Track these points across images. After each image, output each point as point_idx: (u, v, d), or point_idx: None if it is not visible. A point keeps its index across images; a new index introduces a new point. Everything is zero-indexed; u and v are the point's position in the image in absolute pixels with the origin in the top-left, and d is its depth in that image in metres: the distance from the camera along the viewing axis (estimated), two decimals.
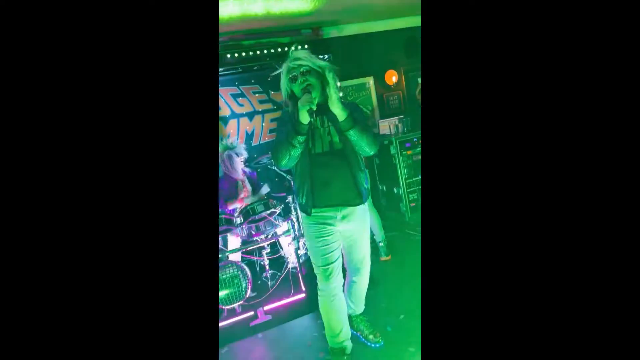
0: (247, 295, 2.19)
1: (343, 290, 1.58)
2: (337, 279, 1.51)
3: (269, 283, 2.48)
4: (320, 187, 1.44)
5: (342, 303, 1.55)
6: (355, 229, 1.52)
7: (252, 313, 2.19)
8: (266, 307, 2.22)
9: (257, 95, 3.27)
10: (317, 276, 1.52)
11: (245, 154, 2.75)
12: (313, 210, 1.46)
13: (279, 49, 3.11)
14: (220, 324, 2.13)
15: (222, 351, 1.90)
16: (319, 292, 1.54)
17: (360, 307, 1.77)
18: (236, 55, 2.98)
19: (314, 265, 1.52)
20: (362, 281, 1.65)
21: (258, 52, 3.03)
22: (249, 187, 2.75)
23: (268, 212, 2.38)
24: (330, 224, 1.47)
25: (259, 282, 2.57)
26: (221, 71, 3.02)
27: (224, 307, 2.16)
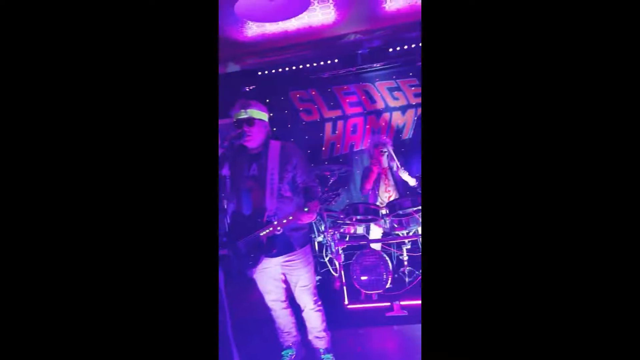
0: (387, 286, 2.25)
1: None
2: None
3: (406, 279, 2.48)
4: None
5: None
6: None
7: (388, 304, 2.25)
8: (403, 302, 2.23)
9: (413, 88, 3.21)
10: None
11: (390, 148, 2.78)
12: None
13: None
14: (356, 306, 2.29)
15: (360, 332, 2.04)
16: None
17: None
18: (398, 48, 2.99)
19: None
20: None
21: (421, 44, 2.94)
22: (391, 180, 2.78)
23: (414, 209, 2.35)
24: None
25: (396, 276, 2.60)
26: (382, 65, 3.10)
27: (364, 292, 2.30)
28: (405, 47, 2.99)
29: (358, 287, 2.31)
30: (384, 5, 2.50)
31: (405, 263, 2.53)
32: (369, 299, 2.34)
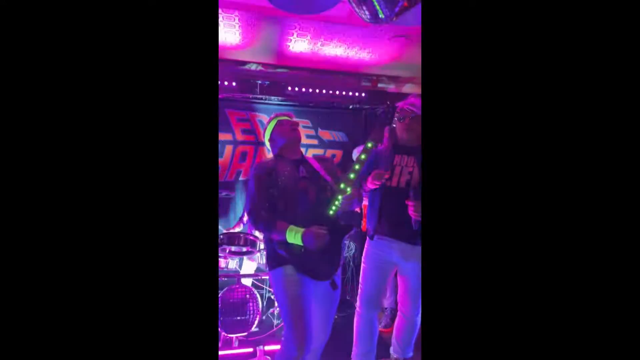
0: (251, 329, 2.01)
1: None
2: None
3: (274, 321, 2.29)
4: None
5: None
6: None
7: (251, 350, 2.00)
8: (267, 347, 2.01)
9: (305, 129, 3.35)
10: None
11: None
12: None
13: (337, 92, 3.23)
14: None
15: None
16: None
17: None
18: (296, 89, 3.12)
19: None
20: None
21: (317, 90, 3.15)
22: None
23: None
24: None
25: (264, 317, 2.38)
26: (279, 100, 3.15)
27: (225, 335, 1.98)
28: (303, 89, 3.15)
29: (220, 329, 1.99)
30: (288, 44, 2.61)
31: (277, 303, 2.36)
32: (228, 344, 2.03)
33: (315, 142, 3.38)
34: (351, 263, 2.79)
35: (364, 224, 2.67)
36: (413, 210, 1.44)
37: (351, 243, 2.84)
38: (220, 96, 2.99)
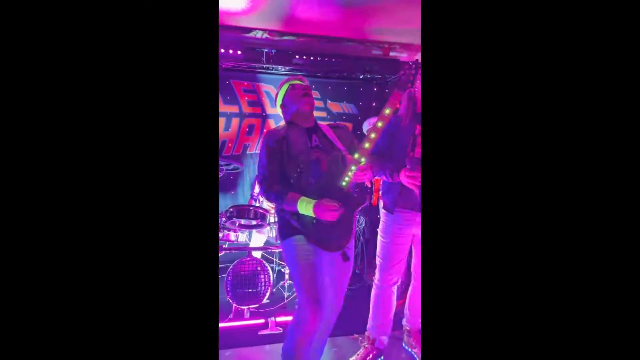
0: (262, 301, 2.02)
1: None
2: None
3: (285, 294, 2.30)
4: None
5: None
6: None
7: (262, 321, 2.01)
8: (278, 319, 2.03)
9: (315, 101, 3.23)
10: None
11: None
12: None
13: (347, 61, 3.08)
14: (226, 325, 1.97)
15: (226, 354, 1.72)
16: None
17: None
18: (304, 57, 2.97)
19: None
20: None
21: (326, 59, 3.00)
22: None
23: None
24: None
25: (274, 290, 2.40)
26: (286, 69, 3.02)
27: (236, 306, 2.00)
28: (312, 58, 3.00)
29: (231, 301, 2.01)
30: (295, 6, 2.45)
31: (287, 276, 2.37)
32: (239, 316, 2.05)
33: (324, 114, 3.27)
34: (361, 237, 2.76)
35: (374, 199, 2.61)
36: (413, 181, 1.37)
37: (361, 217, 2.81)
38: (224, 65, 2.87)
